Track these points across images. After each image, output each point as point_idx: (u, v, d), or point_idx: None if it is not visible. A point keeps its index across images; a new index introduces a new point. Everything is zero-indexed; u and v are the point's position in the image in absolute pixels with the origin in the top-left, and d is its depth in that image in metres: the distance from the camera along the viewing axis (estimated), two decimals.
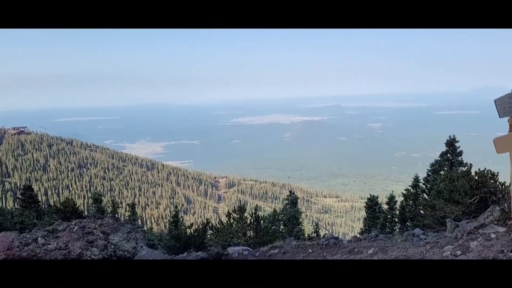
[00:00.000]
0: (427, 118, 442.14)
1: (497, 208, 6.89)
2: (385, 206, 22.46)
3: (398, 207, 21.22)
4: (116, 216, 27.10)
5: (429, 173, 19.57)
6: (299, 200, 28.26)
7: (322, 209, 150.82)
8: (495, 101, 4.84)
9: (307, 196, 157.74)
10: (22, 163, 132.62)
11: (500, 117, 4.84)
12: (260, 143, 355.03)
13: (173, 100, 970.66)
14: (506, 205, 7.02)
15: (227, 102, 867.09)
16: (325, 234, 12.90)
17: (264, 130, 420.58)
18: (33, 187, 30.08)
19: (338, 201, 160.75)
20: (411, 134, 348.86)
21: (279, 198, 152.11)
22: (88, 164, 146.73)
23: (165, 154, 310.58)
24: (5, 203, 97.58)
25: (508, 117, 4.85)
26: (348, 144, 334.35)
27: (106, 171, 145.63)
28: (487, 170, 16.19)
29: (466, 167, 18.86)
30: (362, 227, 23.96)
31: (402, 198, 20.93)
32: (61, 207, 21.71)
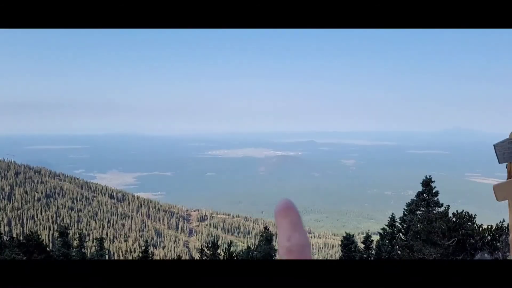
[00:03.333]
0: (398, 156, 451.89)
1: (487, 256, 6.67)
2: (361, 245, 22.14)
3: (374, 247, 20.96)
4: (83, 250, 25.85)
5: (405, 212, 19.53)
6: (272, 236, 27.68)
7: None
8: (494, 146, 4.61)
9: None
10: None
11: (499, 162, 4.61)
12: (234, 177, 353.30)
13: (144, 130, 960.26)
14: (501, 254, 6.79)
15: (199, 134, 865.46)
16: None
17: (239, 164, 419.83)
18: None
19: (311, 237, 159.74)
20: (383, 172, 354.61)
21: (251, 233, 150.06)
22: (56, 194, 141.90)
23: (137, 185, 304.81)
24: None
25: (507, 163, 4.64)
26: (322, 180, 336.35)
27: (75, 201, 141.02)
28: (465, 212, 16.21)
29: (443, 207, 18.94)
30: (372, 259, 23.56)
31: (378, 237, 20.75)
32: (24, 241, 20.55)
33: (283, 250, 0.69)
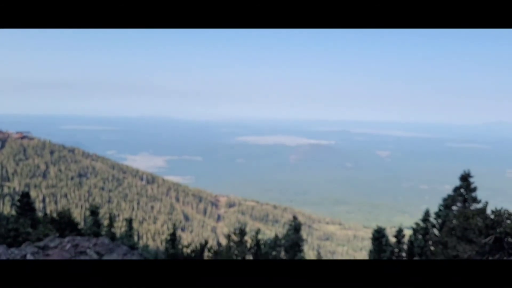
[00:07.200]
0: (436, 149, 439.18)
1: None
2: (392, 239, 21.54)
3: (406, 241, 20.32)
4: (112, 230, 26.33)
5: (441, 207, 18.77)
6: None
7: (324, 236, 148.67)
8: None
9: (309, 222, 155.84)
10: (22, 168, 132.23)
11: None
12: (264, 164, 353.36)
13: (177, 113, 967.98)
14: None
15: (232, 119, 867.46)
16: None
17: (269, 151, 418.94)
18: (31, 193, 29.52)
19: (341, 229, 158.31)
20: (420, 165, 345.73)
21: (280, 221, 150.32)
22: (88, 174, 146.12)
23: (167, 168, 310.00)
24: (2, 207, 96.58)
25: None
26: (355, 171, 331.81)
27: (106, 182, 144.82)
28: (504, 210, 15.39)
29: (480, 204, 18.10)
30: (366, 259, 23.04)
31: (411, 232, 20.10)
32: (57, 218, 21.03)
33: None
